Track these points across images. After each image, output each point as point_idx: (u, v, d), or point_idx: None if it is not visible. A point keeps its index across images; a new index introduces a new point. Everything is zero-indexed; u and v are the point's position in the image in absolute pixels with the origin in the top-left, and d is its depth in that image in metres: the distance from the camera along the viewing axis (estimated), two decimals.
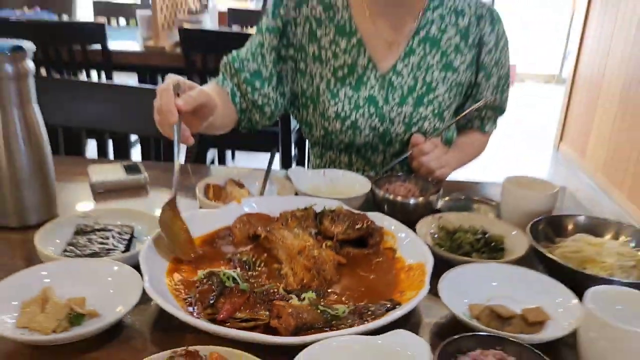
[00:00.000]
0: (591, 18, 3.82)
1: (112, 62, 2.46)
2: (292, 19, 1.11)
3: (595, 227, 0.85)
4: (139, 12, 2.69)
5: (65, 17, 3.24)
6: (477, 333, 0.61)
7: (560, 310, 0.68)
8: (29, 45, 0.84)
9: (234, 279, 0.65)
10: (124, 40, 2.73)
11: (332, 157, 1.21)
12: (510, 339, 0.59)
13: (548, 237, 0.85)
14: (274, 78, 1.12)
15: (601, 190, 3.35)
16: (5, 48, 0.81)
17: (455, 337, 0.59)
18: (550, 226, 0.86)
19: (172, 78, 0.81)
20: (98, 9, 3.60)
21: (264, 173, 1.03)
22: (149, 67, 2.61)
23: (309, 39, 1.12)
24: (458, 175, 1.21)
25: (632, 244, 0.82)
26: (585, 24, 3.87)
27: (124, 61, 2.53)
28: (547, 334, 0.65)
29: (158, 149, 1.45)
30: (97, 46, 2.41)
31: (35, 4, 2.97)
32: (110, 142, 1.53)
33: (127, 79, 2.94)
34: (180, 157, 0.82)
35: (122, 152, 1.43)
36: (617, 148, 3.30)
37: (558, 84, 6.27)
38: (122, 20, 3.79)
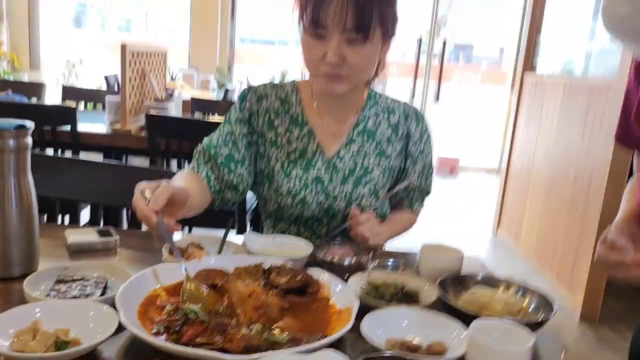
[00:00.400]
0: (519, 121, 4.27)
1: (79, 142, 2.62)
2: (255, 111, 1.34)
3: (490, 282, 1.05)
4: (108, 98, 2.89)
5: (34, 100, 3.42)
6: (387, 354, 0.78)
7: (455, 342, 0.86)
8: (29, 124, 1.01)
9: (195, 312, 0.80)
10: (88, 122, 2.90)
11: (283, 227, 1.39)
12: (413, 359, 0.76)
13: (454, 289, 1.04)
14: (246, 160, 1.33)
15: (533, 271, 3.62)
16: (10, 126, 0.98)
17: (371, 354, 0.76)
18: (456, 281, 1.05)
19: (138, 189, 0.98)
20: (66, 93, 3.81)
21: (221, 238, 1.20)
22: (114, 148, 2.78)
23: (268, 127, 1.35)
24: (397, 245, 1.42)
25: (519, 295, 1.02)
26: (515, 125, 4.32)
27: (90, 142, 2.70)
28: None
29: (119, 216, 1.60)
30: (66, 127, 2.58)
31: (7, 88, 3.15)
32: (84, 211, 1.67)
33: (94, 158, 3.08)
34: (174, 246, 0.99)
35: (92, 220, 1.57)
36: (545, 234, 3.60)
37: (497, 176, 6.73)
38: (86, 103, 3.98)
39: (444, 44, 6.78)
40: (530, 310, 0.98)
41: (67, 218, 1.65)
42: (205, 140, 1.33)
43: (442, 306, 0.98)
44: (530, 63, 4.25)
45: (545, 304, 0.98)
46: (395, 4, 1.23)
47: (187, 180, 1.22)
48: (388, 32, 1.22)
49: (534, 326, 0.90)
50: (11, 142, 0.98)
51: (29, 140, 1.01)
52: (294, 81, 1.40)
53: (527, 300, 1.01)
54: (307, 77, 1.34)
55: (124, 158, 2.96)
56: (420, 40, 6.80)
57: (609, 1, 0.81)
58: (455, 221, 4.88)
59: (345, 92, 1.24)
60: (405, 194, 1.45)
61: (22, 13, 6.23)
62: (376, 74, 1.34)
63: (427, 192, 1.48)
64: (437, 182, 6.61)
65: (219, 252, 1.16)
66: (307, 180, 1.32)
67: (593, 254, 3.06)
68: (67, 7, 7.79)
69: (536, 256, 3.70)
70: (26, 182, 1.02)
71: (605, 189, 2.89)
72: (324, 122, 1.35)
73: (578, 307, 3.03)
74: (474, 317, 0.91)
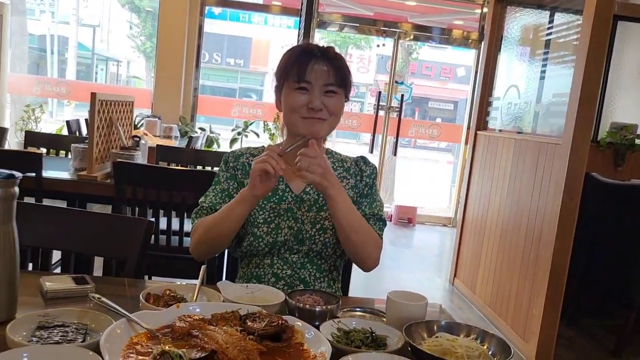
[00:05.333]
0: (474, 175, 4.47)
1: (43, 189, 2.62)
2: (235, 167, 1.58)
3: (452, 329, 1.14)
4: (74, 144, 2.91)
5: None
6: None
7: None
8: (17, 174, 1.05)
9: (180, 356, 0.84)
10: (50, 168, 2.88)
11: (257, 261, 1.54)
12: None
13: (419, 335, 1.11)
14: None
15: (489, 321, 3.73)
16: (1, 175, 1.02)
17: None
18: (421, 327, 1.13)
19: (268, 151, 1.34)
20: (29, 138, 3.78)
21: (196, 285, 1.24)
22: (77, 195, 2.77)
23: (245, 176, 1.55)
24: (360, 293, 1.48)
25: (478, 340, 1.10)
26: (470, 178, 4.52)
27: (54, 188, 2.69)
28: None
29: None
30: (30, 173, 2.57)
31: None
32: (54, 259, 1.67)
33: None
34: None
35: (64, 268, 1.58)
36: (500, 285, 3.74)
37: (454, 227, 6.93)
38: (49, 149, 3.95)
39: (402, 97, 7.07)
40: (489, 354, 1.06)
41: (30, 265, 1.65)
42: (203, 201, 1.55)
43: (409, 351, 1.05)
44: (482, 124, 4.50)
45: (503, 349, 1.07)
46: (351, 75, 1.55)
47: None
48: (347, 95, 1.54)
49: None
50: None
51: (17, 189, 1.05)
52: (263, 146, 1.66)
53: (486, 345, 1.09)
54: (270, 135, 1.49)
55: (87, 205, 2.95)
56: (380, 93, 7.08)
57: None
58: (413, 270, 5.00)
59: (324, 134, 1.50)
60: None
61: None
62: None
63: (382, 220, 1.59)
64: (397, 233, 6.74)
65: (195, 299, 1.20)
66: (279, 210, 1.52)
67: (545, 304, 3.19)
68: (25, 52, 7.76)
69: (491, 306, 3.82)
70: (11, 230, 1.05)
71: (554, 241, 3.06)
72: (291, 169, 1.50)
73: (532, 355, 3.13)
74: None
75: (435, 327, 1.14)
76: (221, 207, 1.49)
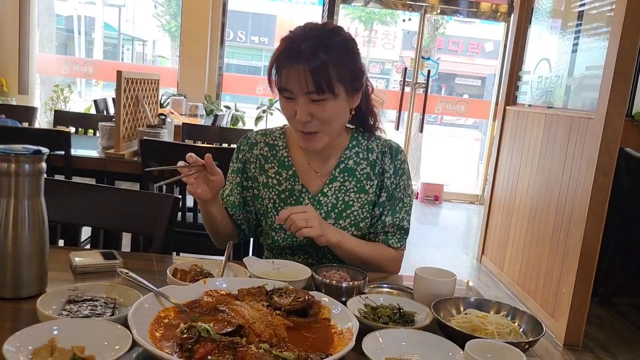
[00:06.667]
0: (502, 151, 4.39)
1: (72, 167, 2.65)
2: (248, 159, 1.50)
3: (482, 305, 1.11)
4: (101, 123, 2.93)
5: (25, 124, 3.44)
6: None
7: None
8: (44, 150, 1.05)
9: (207, 330, 0.84)
10: (79, 146, 2.92)
11: (277, 257, 1.49)
12: None
13: (448, 312, 1.09)
14: (242, 204, 1.50)
15: (518, 299, 3.69)
16: (28, 151, 1.02)
17: None
18: (449, 304, 1.11)
19: None
20: (58, 117, 3.83)
21: (223, 261, 1.24)
22: (106, 172, 2.80)
23: (260, 171, 1.49)
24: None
25: (509, 317, 1.08)
26: (499, 155, 4.43)
27: (83, 166, 2.72)
28: None
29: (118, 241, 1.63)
30: (59, 151, 2.61)
31: (1, 113, 3.18)
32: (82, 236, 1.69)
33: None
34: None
35: (93, 244, 1.60)
36: (529, 262, 3.68)
37: (480, 205, 6.85)
38: (77, 128, 3.99)
39: (429, 72, 6.94)
40: (520, 331, 1.04)
41: (61, 242, 1.68)
42: (221, 194, 1.49)
43: (437, 327, 1.03)
44: (512, 99, 4.40)
45: (534, 326, 1.04)
46: (355, 61, 1.34)
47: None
48: (352, 87, 1.33)
49: (525, 346, 0.96)
50: (27, 166, 1.02)
51: (44, 165, 1.05)
52: (283, 126, 1.53)
53: (516, 322, 1.06)
54: None
55: (116, 182, 2.98)
56: (406, 69, 6.96)
57: None
58: (440, 248, 4.96)
59: (322, 147, 1.37)
60: (381, 228, 1.47)
61: (11, 37, 6.27)
62: (372, 125, 1.50)
63: (404, 229, 1.48)
64: (423, 210, 6.69)
65: (221, 275, 1.20)
66: None
67: (575, 283, 3.13)
68: (53, 33, 7.83)
69: (519, 284, 3.77)
70: (39, 205, 1.06)
71: (586, 218, 2.98)
72: (309, 162, 1.48)
73: (561, 334, 3.09)
74: (468, 338, 0.96)
75: (464, 304, 1.12)
76: (229, 200, 1.48)
